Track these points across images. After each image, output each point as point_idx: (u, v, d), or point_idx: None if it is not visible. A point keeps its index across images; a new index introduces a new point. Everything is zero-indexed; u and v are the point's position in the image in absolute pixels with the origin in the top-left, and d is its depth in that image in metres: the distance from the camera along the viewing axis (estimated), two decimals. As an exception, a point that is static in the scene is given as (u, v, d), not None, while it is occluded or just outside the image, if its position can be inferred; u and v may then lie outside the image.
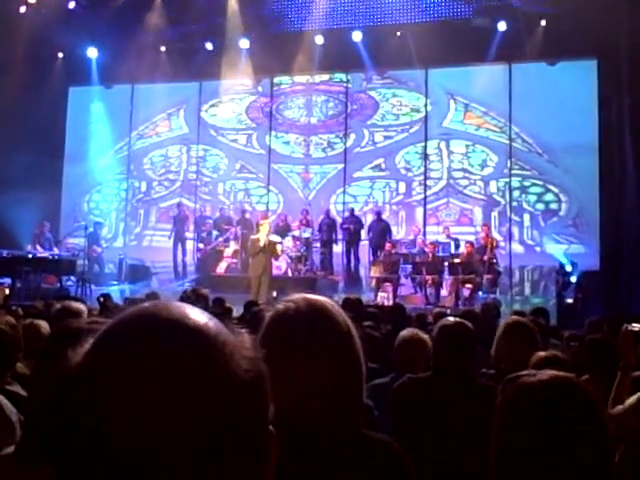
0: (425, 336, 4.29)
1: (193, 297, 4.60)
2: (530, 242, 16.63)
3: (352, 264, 16.31)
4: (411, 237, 15.87)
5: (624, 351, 3.41)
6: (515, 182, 16.92)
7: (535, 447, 1.43)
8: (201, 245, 16.36)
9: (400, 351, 4.23)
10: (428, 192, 17.42)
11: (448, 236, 15.38)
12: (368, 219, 16.83)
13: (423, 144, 17.59)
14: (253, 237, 13.44)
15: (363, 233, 16.34)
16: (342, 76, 18.46)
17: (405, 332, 4.34)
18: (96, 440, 0.66)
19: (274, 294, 11.74)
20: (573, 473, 1.43)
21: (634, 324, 3.44)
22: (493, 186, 17.09)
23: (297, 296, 1.63)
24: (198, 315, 0.74)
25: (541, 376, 1.49)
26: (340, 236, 16.52)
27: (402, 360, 4.18)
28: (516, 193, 16.90)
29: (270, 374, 1.53)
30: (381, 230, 15.89)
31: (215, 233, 16.51)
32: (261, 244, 12.82)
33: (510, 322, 3.94)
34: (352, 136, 18.27)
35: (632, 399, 3.09)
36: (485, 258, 14.02)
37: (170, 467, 0.66)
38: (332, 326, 1.57)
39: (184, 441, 0.66)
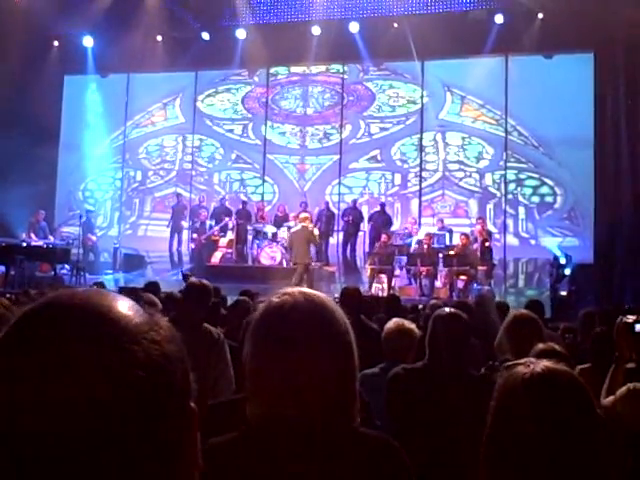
0: (412, 326, 4.28)
1: (199, 286, 4.60)
2: (525, 235, 16.67)
3: (348, 255, 16.32)
4: (407, 227, 15.88)
5: (618, 343, 3.43)
6: (511, 175, 16.94)
7: (526, 436, 1.45)
8: (195, 235, 16.34)
9: (388, 342, 4.23)
10: (423, 184, 17.43)
11: (442, 227, 15.38)
12: (364, 210, 16.85)
13: (419, 136, 17.59)
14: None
15: (362, 225, 16.35)
16: (339, 67, 18.42)
17: (391, 323, 4.31)
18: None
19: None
20: (564, 462, 1.44)
21: (629, 316, 3.47)
22: (489, 179, 17.10)
23: (294, 289, 1.61)
24: (101, 300, 0.73)
25: (535, 367, 1.51)
26: (338, 227, 16.53)
27: (390, 351, 4.18)
28: (511, 186, 16.92)
29: (263, 367, 1.53)
30: (383, 223, 15.90)
31: (209, 223, 16.48)
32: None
33: (518, 315, 3.96)
34: (348, 127, 18.24)
35: (622, 390, 3.12)
36: (478, 250, 14.07)
37: (67, 459, 0.64)
38: (330, 322, 1.55)
39: (77, 431, 0.65)
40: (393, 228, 16.36)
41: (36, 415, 0.65)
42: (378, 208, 16.48)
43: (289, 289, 1.61)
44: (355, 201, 16.75)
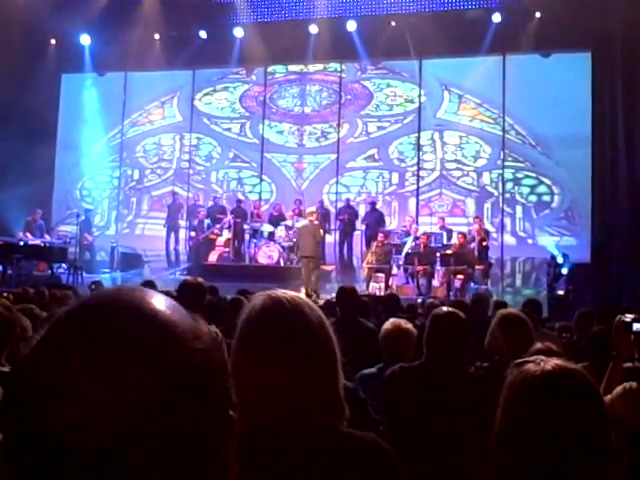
0: (409, 326, 4.29)
1: (193, 285, 4.60)
2: (522, 234, 16.68)
3: (345, 254, 16.33)
4: (405, 226, 15.88)
5: (616, 341, 3.44)
6: (508, 174, 16.95)
7: (536, 434, 1.45)
8: (193, 233, 16.32)
9: (385, 342, 4.24)
10: (421, 183, 17.44)
11: (442, 227, 15.38)
12: (361, 209, 16.87)
13: (416, 135, 17.59)
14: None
15: (357, 223, 16.37)
16: (336, 66, 18.41)
17: (388, 324, 4.32)
18: (39, 435, 0.65)
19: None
20: (573, 460, 1.45)
21: (627, 314, 3.47)
22: (486, 178, 17.11)
23: (268, 292, 1.63)
24: (154, 302, 0.72)
25: (545, 364, 1.51)
26: (334, 226, 16.54)
27: (388, 351, 4.19)
28: (509, 185, 16.94)
29: (244, 371, 1.55)
30: (375, 220, 15.91)
31: (207, 222, 16.46)
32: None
33: (506, 314, 3.96)
34: (345, 126, 18.24)
35: (618, 389, 3.12)
36: (475, 249, 14.09)
37: (114, 455, 0.65)
38: (303, 322, 1.56)
39: (127, 429, 0.65)
40: (391, 227, 16.37)
41: (82, 418, 0.65)
42: (369, 208, 16.48)
43: (265, 292, 1.64)
44: (349, 200, 16.75)
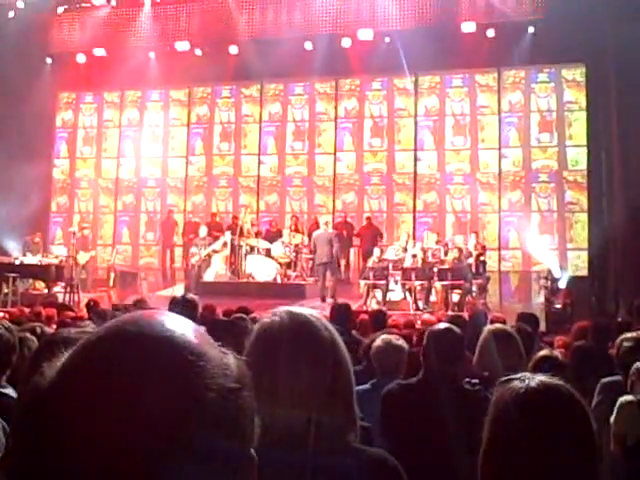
0: (399, 342, 4.26)
1: (182, 303, 4.57)
2: (520, 248, 16.66)
3: (342, 269, 16.30)
4: (401, 243, 15.87)
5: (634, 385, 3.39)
6: (508, 192, 16.97)
7: (521, 452, 1.44)
8: (194, 250, 16.19)
9: (376, 359, 4.22)
10: (422, 201, 17.42)
11: (439, 242, 15.33)
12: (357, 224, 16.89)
13: (414, 151, 17.61)
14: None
15: (354, 239, 16.38)
16: (331, 82, 18.45)
17: (379, 340, 4.30)
18: (59, 468, 0.64)
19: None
20: (559, 476, 1.44)
21: (627, 334, 3.42)
22: (485, 197, 17.12)
23: (281, 309, 1.64)
24: (183, 332, 0.71)
25: (530, 382, 1.50)
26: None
27: (380, 367, 4.17)
28: (509, 201, 16.92)
29: (255, 389, 1.54)
30: (371, 235, 15.92)
31: (205, 239, 16.38)
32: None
33: (494, 330, 3.95)
34: (343, 143, 18.28)
35: (617, 404, 3.10)
36: (472, 264, 14.09)
37: None
38: (315, 339, 1.57)
39: (147, 463, 0.64)
40: (387, 242, 16.37)
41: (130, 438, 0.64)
42: (365, 222, 16.52)
43: (279, 309, 1.64)
44: (345, 215, 16.74)
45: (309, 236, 16.26)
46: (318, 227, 16.41)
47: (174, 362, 0.68)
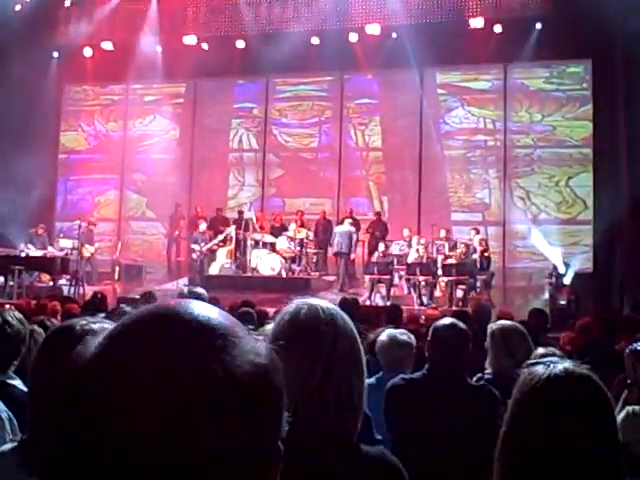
0: (404, 337, 4.24)
1: (189, 296, 4.56)
2: (525, 244, 16.64)
3: (348, 264, 16.28)
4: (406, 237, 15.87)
5: (628, 370, 3.38)
6: (513, 191, 16.93)
7: (542, 434, 1.45)
8: (195, 246, 16.24)
9: (381, 355, 4.21)
10: (428, 203, 17.38)
11: (447, 239, 15.30)
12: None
13: (419, 148, 17.58)
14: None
15: (359, 235, 16.37)
16: (338, 78, 18.40)
17: (384, 335, 4.27)
18: (107, 436, 0.66)
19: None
20: (579, 464, 1.44)
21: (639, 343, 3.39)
22: (491, 195, 17.09)
23: (306, 299, 1.67)
24: (220, 317, 0.74)
25: (554, 367, 1.52)
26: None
27: (386, 363, 4.17)
28: (516, 202, 16.88)
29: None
30: (380, 230, 15.94)
31: (209, 233, 16.42)
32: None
33: (503, 326, 3.95)
34: (349, 139, 18.27)
35: (622, 413, 3.08)
36: (477, 259, 14.10)
37: (174, 467, 0.66)
38: (335, 331, 1.58)
39: (189, 440, 0.66)
40: (392, 238, 16.38)
41: (169, 415, 0.66)
42: (375, 217, 16.56)
43: (304, 299, 1.67)
44: (351, 210, 16.77)
45: (315, 231, 16.29)
46: (325, 221, 16.52)
47: (212, 341, 0.70)
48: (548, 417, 1.46)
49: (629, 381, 3.41)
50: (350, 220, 15.71)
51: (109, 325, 1.70)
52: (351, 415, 1.58)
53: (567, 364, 1.54)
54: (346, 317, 1.66)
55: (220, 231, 16.33)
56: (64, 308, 7.36)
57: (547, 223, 16.54)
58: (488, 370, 3.91)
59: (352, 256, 15.52)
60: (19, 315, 3.43)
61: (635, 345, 3.40)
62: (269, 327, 1.66)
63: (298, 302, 1.64)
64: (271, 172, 18.70)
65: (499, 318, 5.27)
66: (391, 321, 6.54)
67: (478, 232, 15.11)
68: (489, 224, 16.84)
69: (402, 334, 4.27)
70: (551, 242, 15.98)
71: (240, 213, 17.01)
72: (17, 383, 3.09)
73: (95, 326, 1.66)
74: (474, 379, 3.67)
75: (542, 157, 16.75)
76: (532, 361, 1.58)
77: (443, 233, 15.36)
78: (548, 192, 16.67)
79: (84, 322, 1.67)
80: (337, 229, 15.59)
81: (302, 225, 16.12)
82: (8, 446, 1.69)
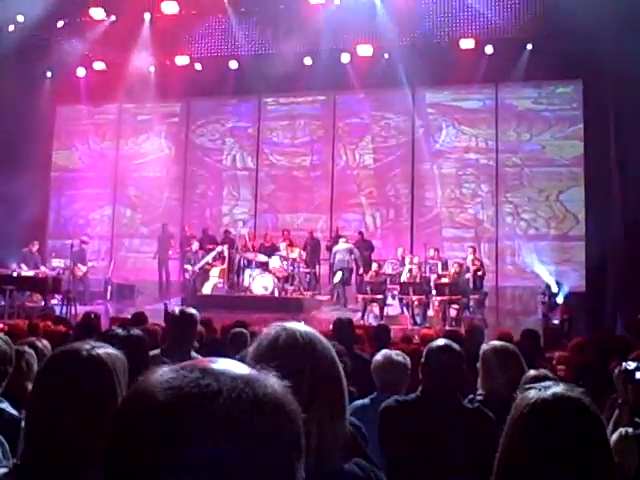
0: (399, 358, 4.23)
1: (180, 317, 4.55)
2: (518, 264, 16.68)
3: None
4: (398, 257, 15.89)
5: (619, 390, 3.36)
6: (505, 208, 17.00)
7: (532, 462, 1.45)
8: (188, 267, 16.20)
9: (377, 375, 4.20)
10: (421, 219, 17.44)
11: (439, 258, 15.32)
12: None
13: (411, 167, 17.65)
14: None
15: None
16: (330, 98, 18.50)
17: (379, 356, 4.27)
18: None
19: None
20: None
21: (630, 362, 3.36)
22: (483, 213, 17.15)
23: (284, 324, 1.66)
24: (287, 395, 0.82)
25: (544, 392, 1.52)
26: (325, 256, 16.55)
27: (381, 383, 4.16)
28: (507, 219, 16.97)
29: None
30: (364, 250, 15.95)
31: (201, 253, 16.40)
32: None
33: (496, 347, 3.94)
34: (342, 159, 18.33)
35: (615, 435, 3.07)
36: (470, 279, 14.11)
37: None
38: (314, 357, 1.58)
39: None
40: (385, 256, 16.39)
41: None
42: (357, 237, 16.55)
43: (283, 323, 1.66)
44: (337, 229, 16.78)
45: (304, 249, 16.29)
46: (313, 240, 16.55)
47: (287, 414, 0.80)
48: (538, 442, 1.46)
49: (620, 401, 3.39)
50: (344, 239, 15.81)
51: (112, 350, 1.71)
52: (333, 433, 1.56)
53: (558, 388, 1.54)
54: (324, 340, 1.64)
55: (207, 250, 16.31)
56: (52, 329, 7.30)
57: (538, 239, 16.60)
58: (480, 391, 3.89)
59: (360, 271, 15.56)
60: (4, 337, 3.40)
61: (625, 364, 3.37)
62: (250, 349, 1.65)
63: (276, 327, 1.63)
64: (264, 190, 18.72)
65: (499, 339, 5.25)
66: (378, 342, 6.48)
67: (475, 251, 15.13)
68: (482, 240, 16.88)
69: (397, 355, 4.26)
70: (543, 259, 16.03)
71: (226, 232, 17.02)
72: (5, 406, 3.05)
73: (100, 351, 1.66)
74: (466, 400, 3.65)
75: (532, 175, 16.82)
76: (527, 385, 1.58)
77: (432, 252, 15.39)
78: (538, 207, 16.74)
79: (88, 347, 1.67)
80: (336, 249, 15.63)
81: (291, 244, 16.11)
82: (1, 471, 1.66)
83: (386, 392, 3.88)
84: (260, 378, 0.81)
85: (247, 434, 0.75)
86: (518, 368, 3.64)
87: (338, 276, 15.28)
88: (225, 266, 16.03)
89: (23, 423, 2.62)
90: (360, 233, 16.72)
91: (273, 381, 0.82)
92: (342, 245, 15.60)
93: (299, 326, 1.64)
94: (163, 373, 0.81)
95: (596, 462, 1.47)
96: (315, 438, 1.50)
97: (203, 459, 0.73)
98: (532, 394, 1.52)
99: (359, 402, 4.02)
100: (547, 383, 1.58)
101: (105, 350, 1.68)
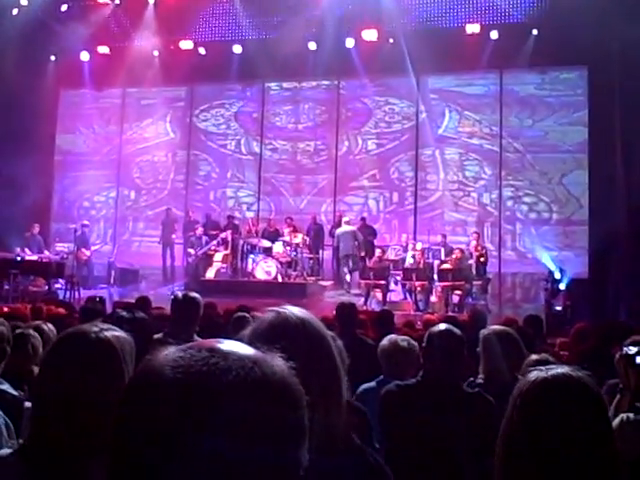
0: (405, 343, 4.26)
1: (184, 301, 4.58)
2: (521, 249, 16.69)
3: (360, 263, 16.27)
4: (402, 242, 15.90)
5: (620, 375, 3.35)
6: (508, 192, 16.97)
7: (538, 437, 1.46)
8: (191, 250, 16.26)
9: (383, 359, 4.22)
10: (423, 203, 17.42)
11: (444, 244, 15.32)
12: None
13: (415, 152, 17.62)
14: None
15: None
16: (334, 83, 18.45)
17: (385, 341, 4.30)
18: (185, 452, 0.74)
19: None
20: (573, 469, 1.45)
21: (631, 347, 3.34)
22: (486, 196, 17.12)
23: (276, 308, 1.66)
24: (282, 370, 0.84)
25: (547, 372, 1.54)
26: (328, 241, 16.55)
27: (387, 367, 4.18)
28: (509, 202, 16.96)
29: None
30: (367, 235, 15.95)
31: (204, 238, 16.43)
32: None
33: (497, 331, 3.96)
34: (345, 144, 18.28)
35: (616, 420, 3.07)
36: (473, 265, 14.11)
37: None
38: (305, 337, 1.58)
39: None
40: (388, 241, 16.40)
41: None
42: (360, 223, 16.50)
43: (275, 308, 1.66)
44: (340, 215, 16.76)
45: (307, 234, 16.30)
46: (316, 225, 16.53)
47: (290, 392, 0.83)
48: (538, 420, 1.48)
49: (621, 386, 3.39)
50: (347, 219, 15.87)
51: (120, 333, 1.72)
52: (331, 420, 1.57)
53: (562, 369, 1.55)
54: (319, 323, 1.65)
55: (211, 235, 16.34)
56: (56, 313, 7.33)
57: (541, 224, 16.59)
58: (480, 375, 3.91)
59: (362, 254, 15.50)
60: (0, 318, 3.41)
61: (626, 349, 3.35)
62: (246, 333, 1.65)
63: (271, 311, 1.64)
64: (268, 173, 18.69)
65: (504, 324, 5.26)
66: (382, 326, 6.50)
67: (479, 237, 15.12)
68: (485, 224, 16.86)
69: (403, 340, 4.28)
70: (545, 245, 16.02)
71: (230, 218, 17.02)
72: (6, 387, 3.06)
73: (108, 333, 1.67)
74: (465, 383, 3.67)
75: (535, 160, 16.76)
76: (532, 367, 1.60)
77: (440, 238, 15.38)
78: (541, 190, 16.70)
79: (97, 329, 1.68)
80: (338, 232, 15.59)
81: (295, 230, 16.12)
82: (6, 451, 1.68)
83: (391, 376, 3.91)
84: (267, 358, 0.83)
85: (255, 412, 0.76)
86: (518, 352, 3.66)
87: (345, 264, 15.34)
88: (228, 251, 16.06)
89: (26, 404, 2.65)
90: (362, 219, 16.71)
91: (280, 362, 0.83)
92: (345, 227, 15.52)
93: (294, 310, 1.65)
94: (170, 353, 0.81)
95: (597, 441, 1.49)
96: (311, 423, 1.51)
97: (212, 435, 0.74)
98: (534, 374, 1.54)
99: (365, 385, 4.05)
100: (550, 366, 1.60)
101: (113, 332, 1.68)
